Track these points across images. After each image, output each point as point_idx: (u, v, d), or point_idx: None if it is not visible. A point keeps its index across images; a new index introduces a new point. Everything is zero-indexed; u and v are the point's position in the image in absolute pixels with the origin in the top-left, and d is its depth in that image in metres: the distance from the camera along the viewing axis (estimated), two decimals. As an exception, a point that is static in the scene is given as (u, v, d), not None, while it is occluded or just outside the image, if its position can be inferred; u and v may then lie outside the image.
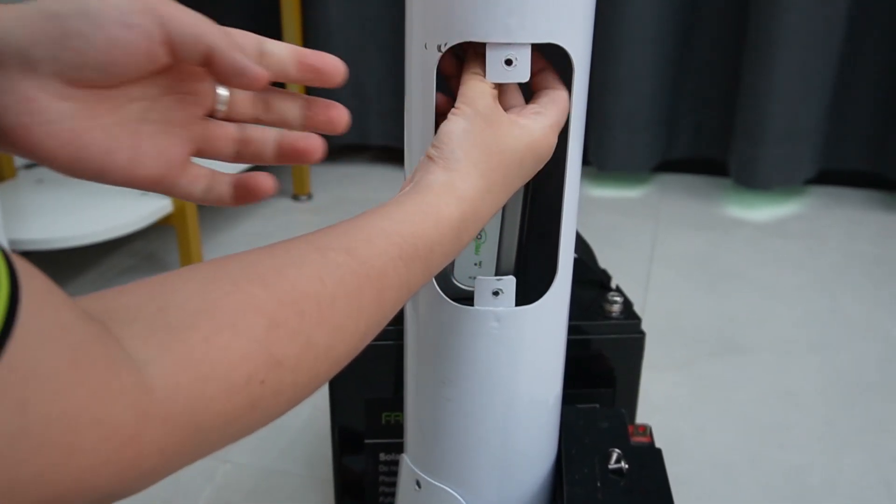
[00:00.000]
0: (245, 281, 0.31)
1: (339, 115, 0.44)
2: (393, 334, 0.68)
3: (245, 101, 0.43)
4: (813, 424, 1.01)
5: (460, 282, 0.55)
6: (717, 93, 1.75)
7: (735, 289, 1.36)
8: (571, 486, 0.54)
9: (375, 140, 1.93)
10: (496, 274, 0.55)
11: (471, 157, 0.43)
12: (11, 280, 0.22)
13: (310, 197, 1.76)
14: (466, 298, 0.52)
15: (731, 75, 1.70)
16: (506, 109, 0.46)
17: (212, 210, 1.66)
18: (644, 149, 1.75)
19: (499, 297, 0.50)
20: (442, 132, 0.43)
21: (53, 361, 0.23)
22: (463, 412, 0.54)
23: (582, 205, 0.53)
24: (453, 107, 0.44)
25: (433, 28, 0.46)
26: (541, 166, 0.47)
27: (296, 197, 1.75)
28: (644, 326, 0.72)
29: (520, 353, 0.52)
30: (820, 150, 1.70)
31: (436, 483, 0.57)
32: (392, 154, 1.98)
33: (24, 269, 0.23)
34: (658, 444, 0.61)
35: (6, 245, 1.06)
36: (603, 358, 0.71)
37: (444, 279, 0.54)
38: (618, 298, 0.70)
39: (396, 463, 0.74)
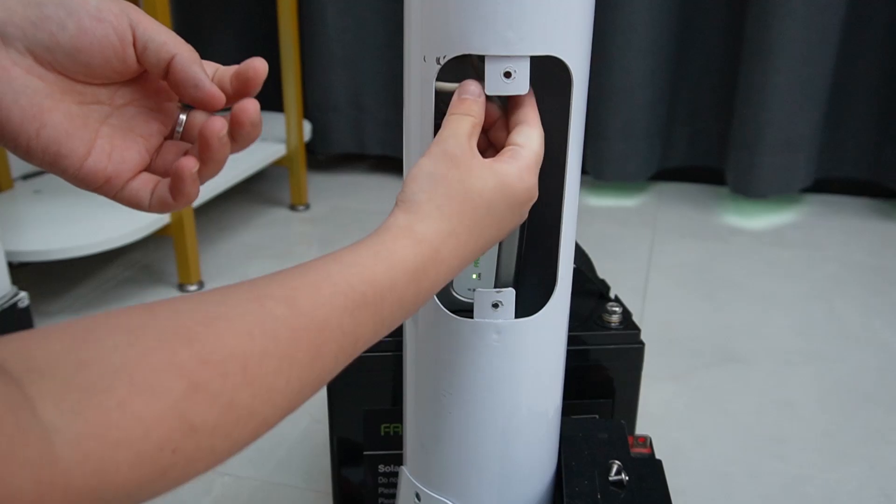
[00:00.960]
0: (171, 335, 0.30)
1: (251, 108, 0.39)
2: (392, 345, 0.68)
3: (197, 126, 0.41)
4: (811, 435, 1.01)
5: (460, 294, 0.55)
6: (713, 102, 1.75)
7: (732, 298, 1.36)
8: (571, 499, 0.54)
9: (373, 150, 1.93)
10: (495, 286, 0.55)
11: (434, 200, 0.41)
12: None
13: (307, 207, 1.76)
14: (466, 311, 0.51)
15: (727, 85, 1.71)
16: (486, 148, 0.47)
17: (209, 221, 1.66)
18: (641, 158, 1.75)
19: (498, 309, 0.50)
20: (408, 174, 0.43)
21: None
22: (462, 424, 0.54)
23: (579, 214, 0.53)
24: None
25: (432, 41, 0.46)
26: (521, 210, 0.45)
27: (293, 207, 1.75)
28: (642, 336, 0.72)
29: (520, 366, 0.52)
30: (816, 159, 1.70)
31: (435, 496, 0.57)
32: (390, 163, 1.99)
33: None
34: (657, 455, 0.61)
35: (3, 256, 1.06)
36: (602, 368, 0.71)
37: (444, 291, 0.54)
38: (617, 309, 0.70)
39: (396, 475, 0.74)
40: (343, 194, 1.84)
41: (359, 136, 1.93)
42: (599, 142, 1.73)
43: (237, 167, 1.53)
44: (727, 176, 1.73)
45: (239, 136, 0.39)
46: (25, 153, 0.36)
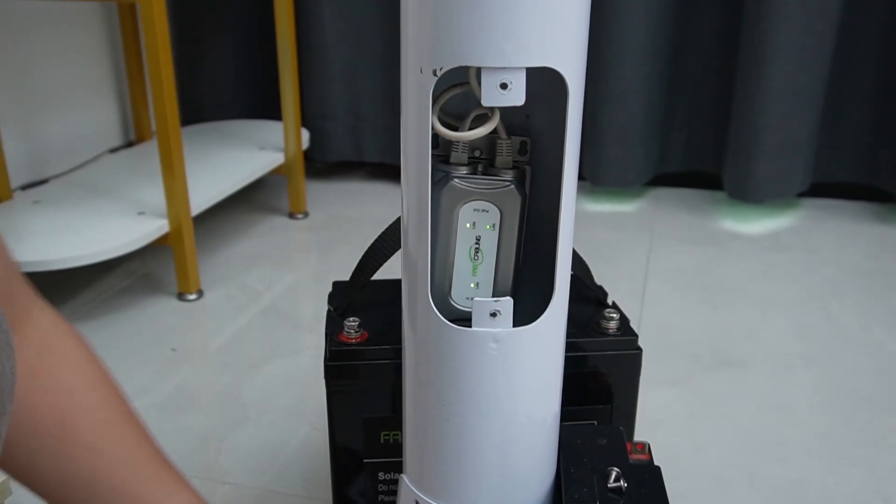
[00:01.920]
0: None
1: None
2: (391, 353, 0.68)
3: None
4: (810, 438, 1.01)
5: (458, 303, 0.55)
6: (709, 107, 1.76)
7: (730, 302, 1.36)
8: (571, 505, 0.54)
9: (371, 157, 1.94)
10: (493, 295, 0.55)
11: None
12: None
13: (306, 215, 1.76)
14: (464, 320, 0.52)
15: (723, 90, 1.72)
16: None
17: (208, 230, 1.66)
18: (638, 164, 1.76)
19: (496, 318, 0.51)
20: None
21: None
22: (462, 432, 0.54)
23: (576, 220, 0.54)
24: None
25: (428, 52, 0.46)
26: None
27: (291, 215, 1.75)
28: (640, 341, 0.72)
29: (518, 374, 0.52)
30: (813, 164, 1.71)
31: (434, 503, 0.57)
32: (387, 171, 1.99)
33: None
34: (656, 460, 0.62)
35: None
36: (600, 375, 0.71)
37: (442, 301, 0.54)
38: (614, 315, 0.71)
39: (395, 482, 0.74)
40: (341, 202, 1.85)
41: (357, 144, 1.93)
42: (596, 148, 1.74)
43: (235, 176, 1.54)
44: (724, 181, 1.74)
45: None
46: None
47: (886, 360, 1.18)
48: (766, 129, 1.62)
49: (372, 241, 0.70)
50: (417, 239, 0.51)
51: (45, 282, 1.41)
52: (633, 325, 0.72)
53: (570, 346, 0.59)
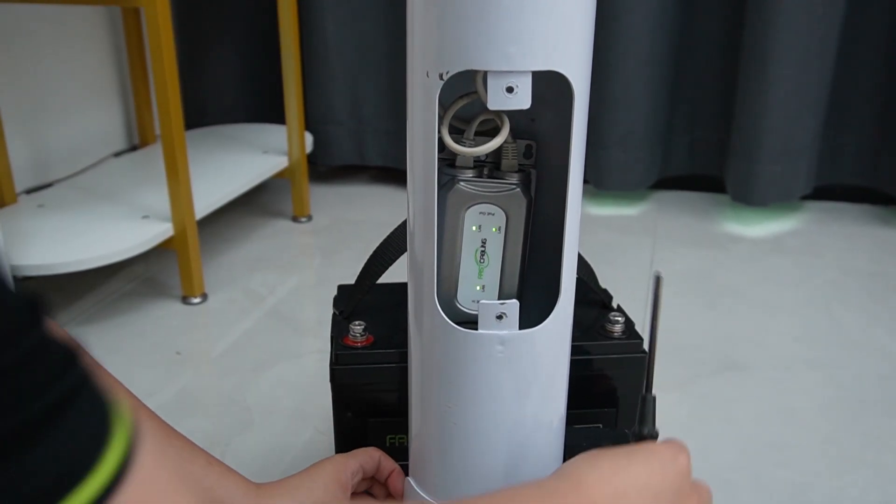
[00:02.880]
0: None
1: None
2: (397, 357, 0.68)
3: None
4: (814, 442, 1.01)
5: (464, 306, 0.56)
6: (712, 111, 1.76)
7: (734, 306, 1.36)
8: (576, 508, 0.54)
9: (374, 161, 1.94)
10: (499, 297, 0.56)
11: (596, 463, 0.46)
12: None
13: (309, 218, 1.76)
14: (470, 322, 0.52)
15: (726, 94, 1.72)
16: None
17: (212, 234, 1.66)
18: (641, 167, 1.76)
19: (502, 320, 0.51)
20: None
21: None
22: (468, 435, 0.54)
23: (581, 224, 0.54)
24: None
25: (435, 57, 0.46)
26: (670, 467, 0.47)
27: (295, 218, 1.76)
28: (644, 345, 0.72)
29: (524, 377, 0.53)
30: (815, 166, 1.71)
31: (441, 506, 0.57)
32: (391, 174, 1.99)
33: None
34: (661, 464, 0.62)
35: (8, 270, 1.07)
36: (606, 378, 0.71)
37: (448, 304, 0.54)
38: (619, 318, 0.71)
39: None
40: (345, 205, 1.85)
41: (360, 148, 1.93)
42: (600, 151, 1.74)
43: (239, 180, 1.54)
44: (727, 184, 1.74)
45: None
46: None
47: (890, 363, 1.18)
48: (769, 132, 1.62)
49: (376, 244, 0.70)
50: (424, 242, 0.51)
51: (49, 286, 1.41)
52: (636, 328, 0.73)
53: (575, 350, 0.59)
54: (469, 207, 0.56)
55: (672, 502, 0.45)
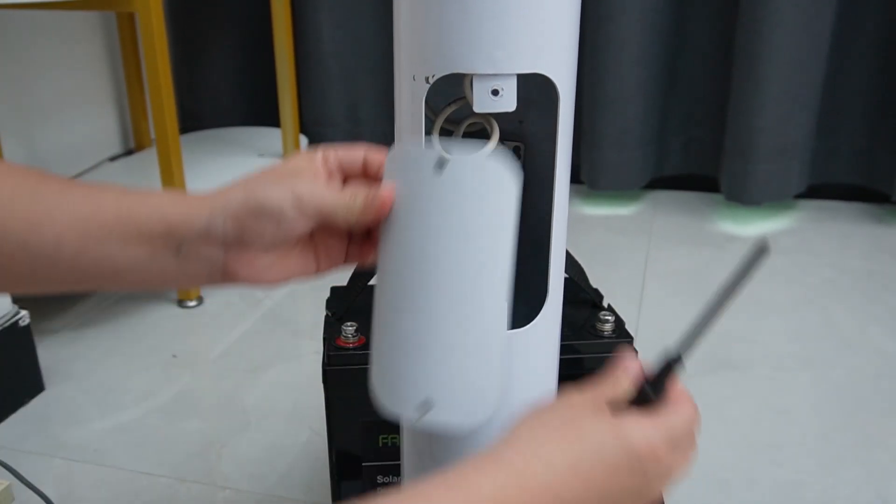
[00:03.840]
0: None
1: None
2: (388, 358, 0.69)
3: None
4: (808, 440, 1.02)
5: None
6: (706, 110, 1.77)
7: (728, 305, 1.36)
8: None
9: (369, 163, 1.94)
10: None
11: (532, 429, 0.42)
12: None
13: (305, 221, 1.77)
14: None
15: (720, 93, 1.72)
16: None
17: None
18: (635, 167, 1.77)
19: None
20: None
21: None
22: (459, 436, 0.55)
23: (575, 224, 0.54)
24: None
25: (421, 60, 0.47)
26: (642, 473, 0.40)
27: (291, 221, 1.76)
28: (638, 344, 0.73)
29: (513, 375, 0.53)
30: (809, 165, 1.72)
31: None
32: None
33: None
34: (652, 462, 0.62)
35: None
36: (596, 377, 0.71)
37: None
38: (609, 317, 0.71)
39: (394, 485, 0.75)
40: (340, 208, 1.86)
41: (355, 150, 1.94)
42: (594, 151, 1.74)
43: (235, 183, 1.54)
44: (721, 183, 1.74)
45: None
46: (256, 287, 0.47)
47: (884, 362, 1.19)
48: (763, 131, 1.63)
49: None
50: (412, 244, 0.52)
51: (45, 290, 1.41)
52: (630, 327, 0.73)
53: (565, 349, 0.59)
54: (458, 209, 0.56)
55: (623, 498, 0.41)
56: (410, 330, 0.49)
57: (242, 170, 1.64)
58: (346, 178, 0.51)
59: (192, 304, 1.38)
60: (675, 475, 0.42)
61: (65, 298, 1.41)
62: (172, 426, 1.06)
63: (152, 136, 1.84)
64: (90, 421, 1.07)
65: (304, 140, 1.80)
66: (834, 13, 1.59)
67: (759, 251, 0.39)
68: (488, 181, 0.46)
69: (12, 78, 1.54)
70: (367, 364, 0.69)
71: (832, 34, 1.61)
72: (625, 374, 0.44)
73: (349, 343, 0.70)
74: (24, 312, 1.09)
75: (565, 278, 0.56)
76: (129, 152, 1.86)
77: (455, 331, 0.47)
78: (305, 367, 1.19)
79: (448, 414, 0.48)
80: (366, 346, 0.70)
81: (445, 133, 0.55)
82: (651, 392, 0.40)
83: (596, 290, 0.77)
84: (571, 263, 0.75)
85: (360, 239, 0.53)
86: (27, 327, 1.09)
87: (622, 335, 0.71)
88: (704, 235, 1.66)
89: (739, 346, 1.23)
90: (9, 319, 1.07)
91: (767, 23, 1.55)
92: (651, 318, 1.32)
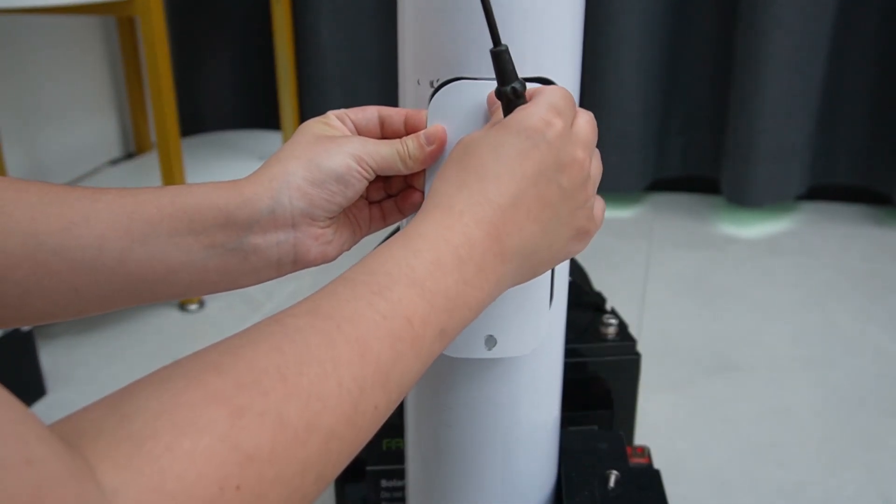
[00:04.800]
0: (199, 371, 0.29)
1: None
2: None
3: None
4: (810, 441, 1.02)
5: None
6: (706, 112, 1.77)
7: (729, 307, 1.37)
8: (572, 509, 0.55)
9: (370, 166, 1.94)
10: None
11: (444, 174, 0.41)
12: None
13: (306, 224, 1.77)
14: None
15: (720, 95, 1.72)
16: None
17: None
18: (636, 169, 1.77)
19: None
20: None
21: (13, 499, 0.21)
22: (463, 438, 0.55)
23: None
24: None
25: (425, 65, 0.47)
26: (536, 137, 0.39)
27: (292, 224, 1.76)
28: (640, 347, 0.73)
29: (518, 379, 0.53)
30: (810, 167, 1.72)
31: (438, 509, 0.58)
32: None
33: None
34: (657, 464, 0.62)
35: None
36: (600, 380, 0.72)
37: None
38: (613, 321, 0.71)
39: (398, 489, 0.75)
40: (341, 211, 1.86)
41: (356, 153, 1.94)
42: (594, 154, 1.74)
43: (236, 186, 1.54)
44: (722, 185, 1.75)
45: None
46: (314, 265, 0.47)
47: (885, 363, 1.19)
48: (763, 133, 1.63)
49: (371, 249, 0.71)
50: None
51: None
52: (632, 330, 0.73)
53: (569, 353, 0.59)
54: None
55: (551, 179, 0.40)
56: None
57: (244, 173, 1.64)
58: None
59: (194, 307, 1.38)
60: (580, 136, 0.42)
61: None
62: (175, 430, 1.06)
63: (153, 139, 1.84)
64: (92, 425, 1.07)
65: (304, 143, 1.80)
66: (833, 15, 1.59)
67: None
68: None
69: (13, 82, 1.54)
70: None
71: (832, 36, 1.61)
72: (497, 107, 0.43)
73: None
74: (26, 317, 1.09)
75: (569, 282, 0.56)
76: (129, 156, 1.86)
77: None
78: (307, 371, 1.19)
79: (509, 348, 0.50)
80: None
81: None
82: (510, 92, 0.41)
83: (599, 294, 0.77)
84: (574, 266, 0.75)
85: (381, 203, 0.50)
86: (30, 332, 1.09)
87: (625, 338, 0.71)
88: (705, 237, 1.66)
89: (741, 348, 1.23)
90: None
91: (767, 25, 1.55)
92: (653, 321, 1.32)
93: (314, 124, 0.47)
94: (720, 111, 1.73)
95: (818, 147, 1.72)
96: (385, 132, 0.48)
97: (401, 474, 0.74)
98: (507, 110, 0.42)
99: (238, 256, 0.44)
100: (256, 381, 0.29)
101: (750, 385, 1.14)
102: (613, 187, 1.77)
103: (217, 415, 0.27)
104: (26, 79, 1.57)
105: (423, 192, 0.48)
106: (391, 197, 0.50)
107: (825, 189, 1.78)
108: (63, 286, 0.42)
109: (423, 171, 0.47)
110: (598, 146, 0.47)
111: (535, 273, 0.42)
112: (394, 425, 0.72)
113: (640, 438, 0.85)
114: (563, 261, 0.45)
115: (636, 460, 0.63)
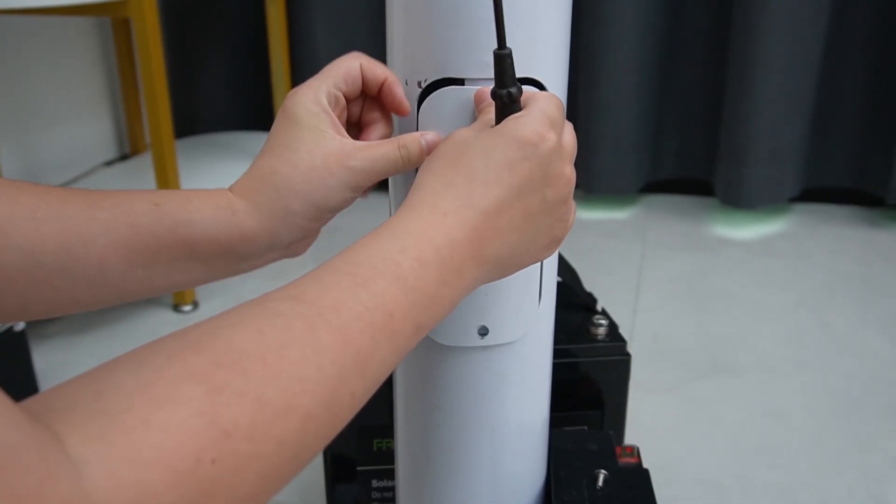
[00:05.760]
0: (178, 350, 0.29)
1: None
2: (383, 362, 0.69)
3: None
4: (802, 443, 1.02)
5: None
6: (700, 115, 1.77)
7: (722, 309, 1.37)
8: (560, 509, 0.55)
9: (365, 168, 1.95)
10: (481, 301, 0.56)
11: (429, 169, 0.41)
12: None
13: (300, 225, 1.77)
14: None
15: (714, 97, 1.73)
16: None
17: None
18: (630, 171, 1.77)
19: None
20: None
21: None
22: (452, 438, 0.55)
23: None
24: None
25: (413, 65, 0.47)
26: (525, 149, 0.40)
27: (286, 226, 1.76)
28: (633, 348, 0.73)
29: (507, 380, 0.53)
30: (803, 169, 1.72)
31: (427, 509, 0.58)
32: (382, 181, 2.00)
33: None
34: (648, 466, 0.62)
35: None
36: (590, 381, 0.72)
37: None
38: (603, 321, 0.72)
39: (389, 489, 0.75)
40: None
41: (351, 155, 1.94)
42: (589, 156, 1.75)
43: (230, 187, 1.55)
44: (716, 187, 1.75)
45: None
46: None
47: (878, 365, 1.19)
48: (757, 135, 1.63)
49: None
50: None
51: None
52: (626, 331, 0.73)
53: (559, 353, 0.59)
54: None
55: (536, 191, 0.41)
56: None
57: (238, 174, 1.64)
58: (348, 101, 0.49)
59: (188, 308, 1.38)
60: (567, 150, 0.43)
61: (60, 303, 1.41)
62: (167, 431, 1.06)
63: (147, 140, 1.84)
64: (85, 426, 1.07)
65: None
66: (827, 18, 1.59)
67: None
68: None
69: (7, 83, 1.54)
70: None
71: (825, 39, 1.61)
72: (488, 105, 0.44)
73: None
74: (18, 317, 1.08)
75: (559, 282, 0.56)
76: (124, 157, 1.86)
77: None
78: (301, 372, 1.19)
79: (501, 335, 0.51)
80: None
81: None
82: (506, 95, 0.42)
83: (590, 294, 0.77)
84: (565, 267, 0.76)
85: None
86: (22, 332, 1.09)
87: (616, 339, 0.71)
88: (699, 239, 1.66)
89: (734, 349, 1.24)
90: (4, 324, 1.07)
91: (761, 27, 1.56)
92: (646, 322, 1.32)
93: (306, 120, 0.46)
94: (714, 113, 1.73)
95: (812, 149, 1.72)
96: (366, 86, 0.48)
97: (391, 474, 0.74)
98: (500, 113, 0.42)
99: (235, 271, 0.48)
100: (236, 360, 0.29)
101: (742, 387, 1.14)
102: (608, 189, 1.78)
103: (195, 391, 0.27)
104: (21, 80, 1.57)
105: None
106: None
107: (818, 191, 1.79)
108: (64, 296, 0.43)
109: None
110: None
111: (504, 274, 0.43)
112: (384, 426, 0.72)
113: (631, 440, 0.85)
114: (532, 264, 0.45)
115: (625, 460, 0.63)
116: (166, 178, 1.29)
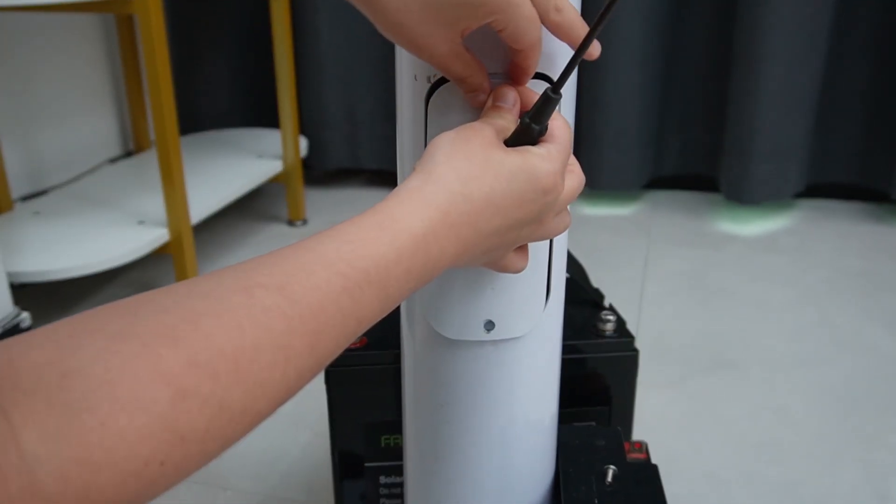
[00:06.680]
0: (155, 337, 0.28)
1: None
2: (390, 358, 0.69)
3: None
4: (806, 439, 1.02)
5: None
6: (705, 111, 1.77)
7: (727, 305, 1.37)
8: (569, 505, 0.55)
9: (368, 164, 1.95)
10: (490, 297, 0.56)
11: (451, 161, 0.40)
12: None
13: (305, 222, 1.77)
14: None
15: (718, 93, 1.73)
16: None
17: (208, 239, 1.67)
18: (634, 167, 1.77)
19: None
20: (430, 143, 0.42)
21: None
22: (461, 434, 0.55)
23: (575, 224, 0.54)
24: None
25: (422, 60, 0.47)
26: (543, 197, 0.41)
27: (291, 222, 1.76)
28: (638, 344, 0.73)
29: (515, 376, 0.53)
30: (807, 165, 1.72)
31: (436, 504, 0.58)
32: (385, 177, 2.00)
33: None
34: (654, 461, 0.62)
35: (4, 277, 1.07)
36: (598, 377, 0.72)
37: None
38: (611, 317, 0.72)
39: (397, 485, 0.75)
40: (340, 209, 1.86)
41: (354, 151, 1.94)
42: (593, 151, 1.75)
43: (235, 184, 1.55)
44: (720, 183, 1.75)
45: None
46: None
47: (881, 361, 1.19)
48: (761, 131, 1.63)
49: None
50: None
51: (45, 292, 1.42)
52: (630, 327, 0.73)
53: (567, 349, 0.59)
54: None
55: (530, 225, 0.42)
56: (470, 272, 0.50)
57: (242, 171, 1.65)
58: None
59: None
60: (568, 197, 0.44)
61: (66, 299, 1.41)
62: (174, 427, 1.06)
63: (152, 137, 1.84)
64: (91, 423, 1.07)
65: (303, 141, 1.80)
66: (831, 14, 1.59)
67: None
68: None
69: (12, 80, 1.54)
70: (369, 365, 0.70)
71: (829, 35, 1.61)
72: (506, 110, 0.44)
73: (352, 344, 0.70)
74: (25, 314, 1.09)
75: (567, 278, 0.56)
76: (128, 154, 1.86)
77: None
78: (306, 368, 1.19)
79: (508, 330, 0.52)
80: (368, 346, 0.70)
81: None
82: (536, 131, 0.42)
83: (597, 290, 0.77)
84: (572, 263, 0.76)
85: None
86: (29, 329, 1.10)
87: (623, 335, 0.71)
88: (703, 235, 1.66)
89: (738, 345, 1.24)
90: (10, 321, 1.07)
91: (765, 24, 1.56)
92: (651, 318, 1.32)
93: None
94: (718, 109, 1.73)
95: (816, 145, 1.72)
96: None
97: (399, 470, 0.74)
98: (518, 137, 0.43)
99: None
100: (210, 360, 0.29)
101: (746, 382, 1.14)
102: (612, 185, 1.78)
103: (161, 394, 0.27)
104: (25, 77, 1.57)
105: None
106: None
107: (823, 187, 1.79)
108: None
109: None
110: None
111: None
112: (392, 422, 0.72)
113: (636, 435, 0.85)
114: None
115: (634, 456, 0.63)
116: (171, 175, 1.29)
